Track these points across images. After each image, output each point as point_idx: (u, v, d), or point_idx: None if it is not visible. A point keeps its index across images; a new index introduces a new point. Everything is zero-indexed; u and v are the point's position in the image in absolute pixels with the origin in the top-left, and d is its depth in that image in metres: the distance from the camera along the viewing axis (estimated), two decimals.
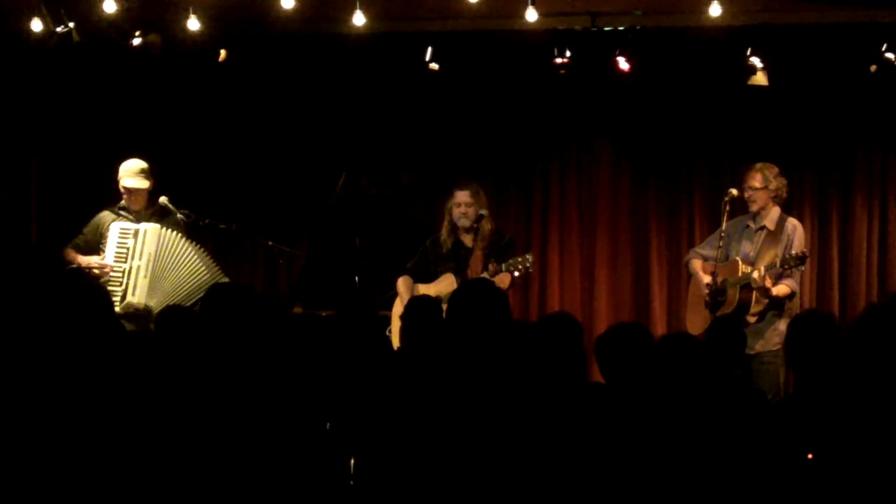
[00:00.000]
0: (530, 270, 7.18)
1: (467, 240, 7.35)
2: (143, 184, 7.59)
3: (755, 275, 6.97)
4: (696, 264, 7.43)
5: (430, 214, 8.83)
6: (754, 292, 7.01)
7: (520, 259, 7.09)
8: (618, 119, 9.04)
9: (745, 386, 6.13)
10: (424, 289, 7.22)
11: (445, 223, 7.42)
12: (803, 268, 7.05)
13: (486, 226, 7.34)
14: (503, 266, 7.07)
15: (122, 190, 7.62)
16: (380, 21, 8.05)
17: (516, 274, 7.11)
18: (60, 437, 4.41)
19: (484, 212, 7.33)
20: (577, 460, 4.14)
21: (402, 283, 7.37)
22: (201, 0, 7.84)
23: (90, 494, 4.30)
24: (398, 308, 7.24)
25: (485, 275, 7.04)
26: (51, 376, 4.63)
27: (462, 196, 7.33)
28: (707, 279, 7.24)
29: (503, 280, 7.04)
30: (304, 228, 9.05)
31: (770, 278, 6.98)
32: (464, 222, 7.31)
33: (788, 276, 7.06)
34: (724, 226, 7.24)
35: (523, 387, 4.45)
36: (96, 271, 7.39)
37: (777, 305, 7.06)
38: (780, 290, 7.04)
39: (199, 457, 4.33)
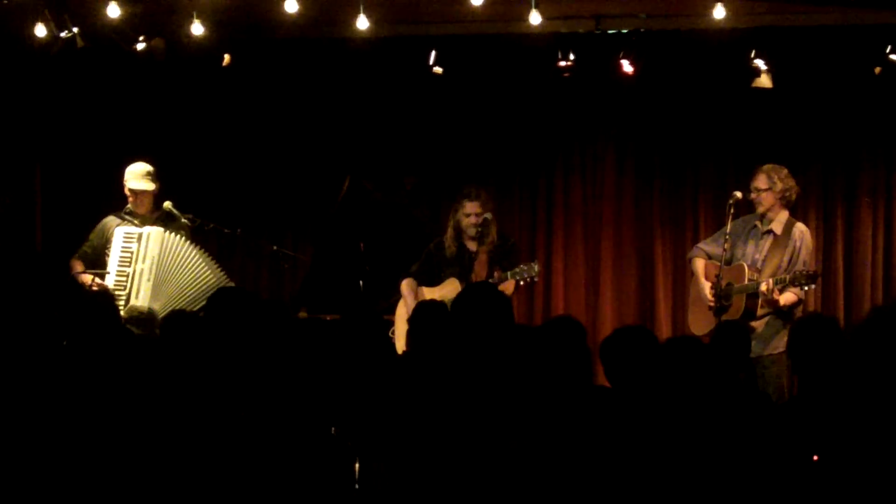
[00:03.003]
0: (535, 280, 7.20)
1: (472, 244, 7.35)
2: (149, 186, 7.60)
3: (763, 287, 6.92)
4: (699, 265, 7.38)
5: (434, 219, 8.83)
6: (760, 299, 6.99)
7: (525, 267, 7.09)
8: (622, 122, 9.03)
9: (750, 389, 6.12)
10: (429, 292, 7.22)
11: (450, 228, 7.41)
12: (814, 286, 7.00)
13: (492, 229, 7.34)
14: (508, 274, 7.07)
15: (127, 193, 7.63)
16: (383, 25, 8.05)
17: (521, 283, 7.13)
18: (66, 442, 4.41)
19: (488, 215, 7.31)
20: (583, 464, 4.14)
21: (406, 286, 7.37)
22: (205, 5, 7.84)
23: (95, 499, 4.30)
24: (402, 311, 7.23)
25: (490, 282, 7.03)
26: (57, 381, 4.64)
27: (472, 207, 7.32)
28: (709, 284, 7.22)
29: (507, 287, 7.04)
30: (309, 233, 9.05)
31: (778, 290, 6.94)
32: (472, 232, 7.30)
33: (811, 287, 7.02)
34: (727, 228, 7.22)
35: (528, 390, 4.45)
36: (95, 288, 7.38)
37: (782, 311, 7.03)
38: (788, 298, 6.99)
39: (205, 461, 4.33)
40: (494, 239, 7.33)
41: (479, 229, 7.27)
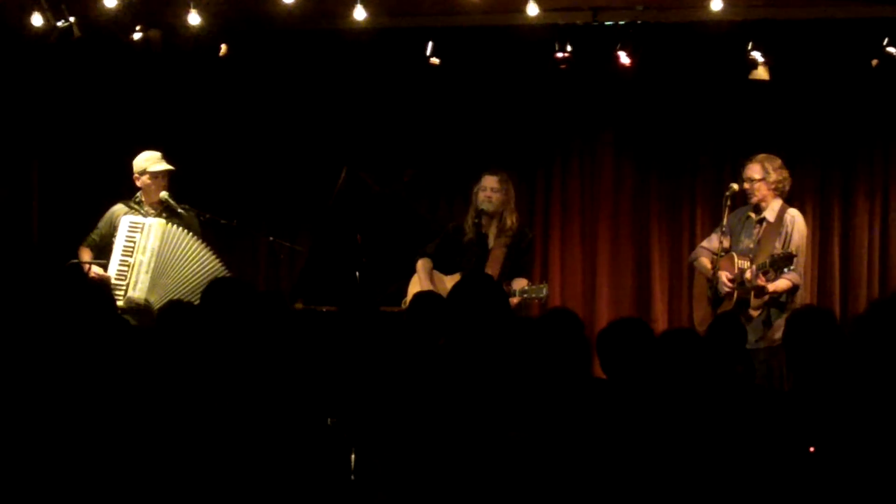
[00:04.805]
0: (542, 302, 7.21)
1: (490, 232, 7.31)
2: (169, 165, 7.59)
3: (747, 275, 6.92)
4: (706, 263, 7.35)
5: (432, 211, 8.83)
6: (748, 288, 6.98)
7: (534, 288, 7.06)
8: (619, 114, 9.03)
9: (746, 381, 6.12)
10: (442, 281, 7.21)
11: (470, 210, 7.38)
12: (793, 266, 6.97)
13: (510, 218, 7.31)
14: (516, 291, 7.05)
15: (147, 181, 7.56)
16: (380, 16, 8.05)
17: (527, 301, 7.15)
18: (62, 434, 4.41)
19: (489, 207, 7.27)
20: (580, 456, 4.14)
21: (422, 266, 7.35)
22: None
23: (90, 490, 4.30)
24: (415, 288, 7.19)
25: None
26: (52, 373, 4.64)
27: (489, 181, 7.29)
28: (724, 273, 7.18)
29: (512, 302, 7.00)
30: (306, 224, 9.04)
31: (764, 276, 6.92)
32: (487, 206, 7.25)
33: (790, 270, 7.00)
34: (724, 220, 7.22)
35: (525, 382, 4.45)
36: (94, 276, 7.38)
37: (778, 300, 7.03)
38: (779, 285, 6.98)
39: (200, 452, 4.33)
40: (513, 231, 7.29)
41: (499, 210, 7.22)
